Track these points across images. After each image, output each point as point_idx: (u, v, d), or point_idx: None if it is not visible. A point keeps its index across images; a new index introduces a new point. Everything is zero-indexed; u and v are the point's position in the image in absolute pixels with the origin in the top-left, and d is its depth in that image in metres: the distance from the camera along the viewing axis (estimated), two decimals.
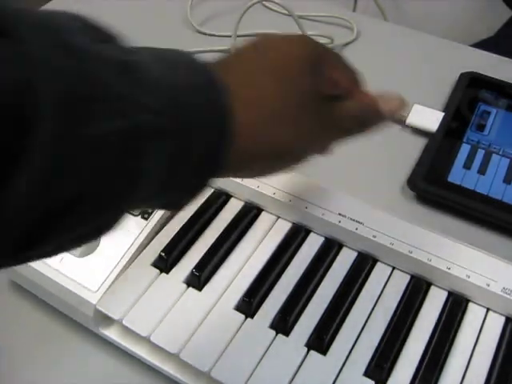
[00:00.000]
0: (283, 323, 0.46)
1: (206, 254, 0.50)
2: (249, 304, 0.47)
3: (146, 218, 0.51)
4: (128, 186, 0.27)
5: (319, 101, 0.36)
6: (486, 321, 0.47)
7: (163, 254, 0.50)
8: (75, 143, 0.23)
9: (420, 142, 0.64)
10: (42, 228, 0.24)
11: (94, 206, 0.26)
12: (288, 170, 0.38)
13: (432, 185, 0.58)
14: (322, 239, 0.52)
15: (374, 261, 0.50)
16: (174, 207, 0.34)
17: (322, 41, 0.77)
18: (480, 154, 0.60)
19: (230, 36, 0.76)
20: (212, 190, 0.55)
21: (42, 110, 0.22)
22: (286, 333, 0.46)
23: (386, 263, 0.50)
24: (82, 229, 0.27)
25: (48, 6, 0.90)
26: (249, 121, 0.32)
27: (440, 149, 0.61)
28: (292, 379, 0.43)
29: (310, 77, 0.36)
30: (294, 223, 0.53)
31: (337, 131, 0.40)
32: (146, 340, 0.46)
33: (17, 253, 0.25)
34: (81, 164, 0.24)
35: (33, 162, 0.22)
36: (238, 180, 0.53)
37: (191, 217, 0.53)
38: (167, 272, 0.49)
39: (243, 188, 0.53)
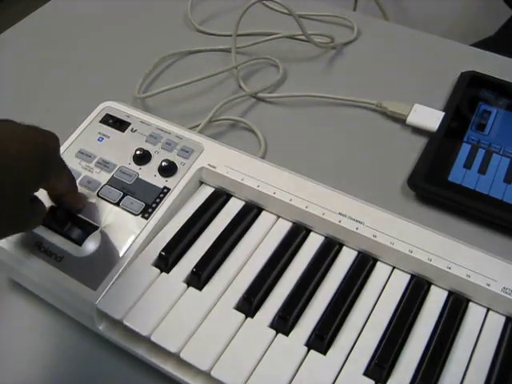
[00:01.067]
0: (283, 323, 0.46)
1: (206, 253, 0.50)
2: (249, 303, 0.47)
3: (147, 218, 0.51)
4: None
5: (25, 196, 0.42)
6: (487, 320, 0.47)
7: (163, 254, 0.50)
8: None
9: (420, 142, 0.65)
10: None
11: None
12: None
13: (432, 184, 0.58)
14: (322, 239, 0.52)
15: (375, 260, 0.50)
16: None
17: (323, 40, 0.77)
18: (480, 153, 0.60)
19: (231, 35, 0.76)
20: (212, 190, 0.55)
21: None
22: (286, 332, 0.46)
23: (386, 263, 0.50)
24: None
25: (47, 7, 0.90)
26: None
27: (440, 148, 0.61)
28: (292, 379, 0.43)
29: (36, 176, 0.41)
30: (294, 223, 0.53)
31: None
32: (146, 339, 0.46)
33: None
34: None
35: None
36: (239, 179, 0.53)
37: (192, 216, 0.53)
38: (167, 271, 0.49)
39: (244, 187, 0.53)
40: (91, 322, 0.48)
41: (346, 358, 0.44)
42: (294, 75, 0.75)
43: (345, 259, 0.50)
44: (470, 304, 0.48)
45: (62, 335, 0.51)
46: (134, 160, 0.55)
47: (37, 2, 0.92)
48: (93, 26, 0.85)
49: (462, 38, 0.90)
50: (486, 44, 1.08)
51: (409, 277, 0.49)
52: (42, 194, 0.47)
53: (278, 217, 0.53)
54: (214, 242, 0.51)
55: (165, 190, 0.53)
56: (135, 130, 0.58)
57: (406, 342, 0.45)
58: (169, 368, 0.46)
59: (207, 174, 0.55)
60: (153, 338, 0.45)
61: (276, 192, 0.52)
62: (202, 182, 0.56)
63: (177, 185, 0.53)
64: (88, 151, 0.56)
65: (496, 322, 0.47)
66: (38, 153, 0.41)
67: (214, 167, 0.54)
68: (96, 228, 0.51)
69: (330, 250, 0.51)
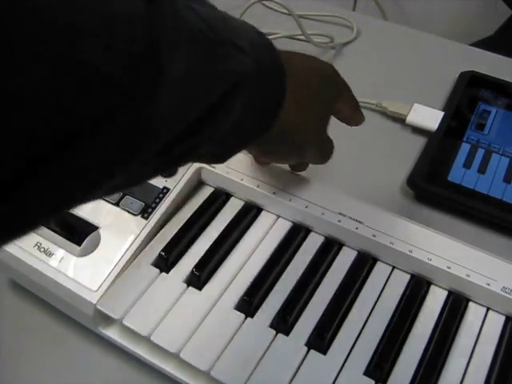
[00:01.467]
0: (283, 323, 0.46)
1: (206, 253, 0.50)
2: (249, 303, 0.47)
3: (146, 218, 0.51)
4: (223, 117, 0.32)
5: (331, 112, 0.46)
6: (486, 320, 0.47)
7: (163, 254, 0.50)
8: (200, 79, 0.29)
9: (420, 141, 0.64)
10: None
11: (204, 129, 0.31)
12: (292, 161, 0.47)
13: (432, 184, 0.58)
14: (321, 238, 0.52)
15: (374, 260, 0.50)
16: (228, 153, 0.37)
17: (322, 40, 0.77)
18: (480, 153, 0.60)
19: None
20: (212, 190, 0.55)
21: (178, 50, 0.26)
22: (286, 332, 0.46)
23: (385, 262, 0.50)
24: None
25: None
26: (291, 98, 0.37)
27: (440, 148, 0.61)
28: (292, 379, 0.43)
29: (337, 94, 0.46)
30: (294, 222, 0.53)
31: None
32: (146, 339, 0.46)
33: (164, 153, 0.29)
34: (198, 94, 0.29)
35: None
36: (238, 179, 0.53)
37: (191, 216, 0.53)
38: (167, 271, 0.49)
39: (243, 187, 0.54)
40: (91, 322, 0.48)
41: (346, 358, 0.44)
42: None
43: (344, 259, 0.50)
44: (470, 304, 0.48)
45: (61, 335, 0.51)
46: None
47: None
48: None
49: (462, 37, 0.90)
50: (486, 44, 1.08)
51: (408, 276, 0.49)
52: None
53: (278, 217, 0.53)
54: (214, 242, 0.51)
55: (164, 190, 0.53)
56: None
57: (406, 341, 0.45)
58: (169, 368, 0.46)
59: (207, 174, 0.55)
60: (152, 339, 0.45)
61: (275, 192, 0.52)
62: (201, 182, 0.56)
63: (176, 185, 0.53)
64: None
65: (496, 322, 0.47)
66: (334, 71, 0.46)
67: (214, 167, 0.54)
68: (96, 228, 0.51)
69: (329, 249, 0.51)
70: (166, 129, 0.27)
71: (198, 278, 0.48)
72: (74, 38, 0.21)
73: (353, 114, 0.50)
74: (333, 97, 0.46)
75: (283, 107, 0.37)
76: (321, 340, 0.45)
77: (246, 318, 0.47)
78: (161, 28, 0.25)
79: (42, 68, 0.20)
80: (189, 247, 0.51)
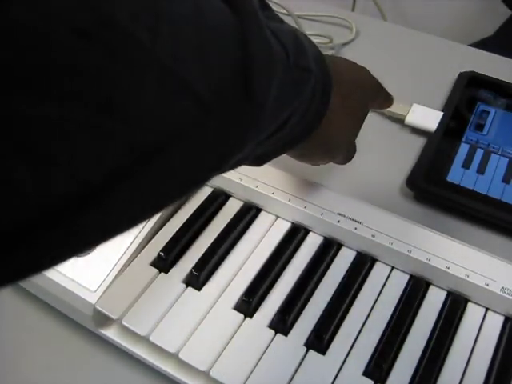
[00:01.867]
0: (282, 323, 0.46)
1: (204, 253, 0.50)
2: (248, 304, 0.47)
3: None
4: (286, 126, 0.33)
5: (365, 117, 0.47)
6: (485, 320, 0.47)
7: (162, 254, 0.50)
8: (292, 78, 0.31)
9: (419, 142, 0.64)
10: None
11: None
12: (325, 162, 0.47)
13: (431, 184, 0.58)
14: (320, 239, 0.52)
15: (373, 260, 0.50)
16: (270, 156, 0.38)
17: (321, 40, 0.77)
18: (479, 153, 0.60)
19: None
20: (211, 190, 0.55)
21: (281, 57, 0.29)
22: (285, 332, 0.46)
23: (385, 263, 0.50)
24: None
25: None
26: (334, 107, 0.39)
27: (439, 148, 0.61)
28: (291, 379, 0.43)
29: (374, 99, 0.48)
30: (292, 223, 0.53)
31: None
32: (145, 340, 0.46)
33: None
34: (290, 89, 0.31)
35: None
36: (237, 179, 0.53)
37: (190, 216, 0.53)
38: (166, 272, 0.49)
39: (242, 188, 0.53)
40: (90, 322, 0.48)
41: (345, 358, 0.44)
42: None
43: (344, 259, 0.50)
44: (469, 304, 0.48)
45: (61, 336, 0.51)
46: None
47: None
48: None
49: (461, 38, 0.90)
50: (485, 44, 1.09)
51: (407, 277, 0.49)
52: None
53: (277, 217, 0.53)
54: (213, 243, 0.51)
55: None
56: None
57: (405, 341, 0.45)
58: (167, 368, 0.46)
59: None
60: (151, 339, 0.45)
61: (274, 192, 0.52)
62: None
63: None
64: None
65: (495, 322, 0.47)
66: (369, 75, 0.47)
67: None
68: None
69: (328, 250, 0.51)
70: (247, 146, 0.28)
71: (197, 279, 0.48)
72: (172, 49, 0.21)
73: (384, 106, 0.53)
74: (369, 103, 0.47)
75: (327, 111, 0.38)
76: (320, 340, 0.45)
77: (244, 319, 0.47)
78: (251, 46, 0.25)
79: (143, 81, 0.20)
80: (188, 247, 0.51)
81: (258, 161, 0.38)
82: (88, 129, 0.19)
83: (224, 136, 0.25)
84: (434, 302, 0.48)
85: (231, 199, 0.55)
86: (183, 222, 0.52)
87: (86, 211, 0.20)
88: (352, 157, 0.50)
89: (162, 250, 0.50)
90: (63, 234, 0.20)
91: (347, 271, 0.50)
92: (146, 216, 0.24)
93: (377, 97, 0.49)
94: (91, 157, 0.19)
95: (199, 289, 0.48)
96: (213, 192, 0.55)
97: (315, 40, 0.76)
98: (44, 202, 0.19)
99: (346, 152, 0.48)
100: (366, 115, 0.47)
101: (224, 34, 0.24)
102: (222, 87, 0.24)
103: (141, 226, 0.51)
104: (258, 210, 0.54)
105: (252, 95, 0.25)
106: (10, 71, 0.17)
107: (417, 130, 0.66)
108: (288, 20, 0.74)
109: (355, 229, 0.50)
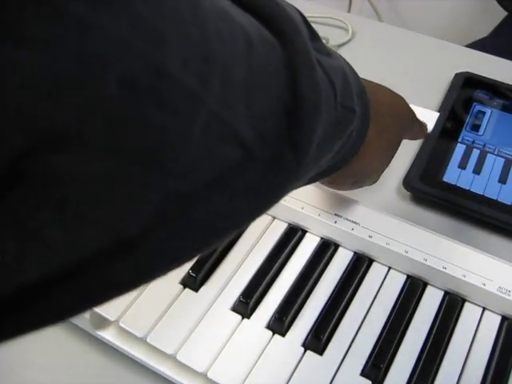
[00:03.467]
0: (280, 324, 0.46)
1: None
2: (245, 305, 0.47)
3: None
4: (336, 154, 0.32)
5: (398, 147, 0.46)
6: (482, 320, 0.47)
7: None
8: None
9: (415, 142, 0.65)
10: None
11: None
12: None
13: (427, 185, 0.58)
14: (318, 239, 0.52)
15: (370, 261, 0.50)
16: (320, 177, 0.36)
17: None
18: (475, 153, 0.61)
19: None
20: None
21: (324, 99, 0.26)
22: (283, 333, 0.46)
23: (382, 263, 0.50)
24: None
25: None
26: (369, 140, 0.38)
27: (435, 149, 0.61)
28: (289, 380, 0.43)
29: (409, 129, 0.47)
30: (289, 224, 0.53)
31: None
32: (142, 341, 0.46)
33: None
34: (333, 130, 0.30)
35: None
36: None
37: None
38: None
39: None
40: (87, 324, 0.48)
41: (343, 359, 0.44)
42: None
43: (341, 260, 0.51)
44: (466, 304, 0.48)
45: (58, 338, 0.50)
46: None
47: None
48: None
49: (457, 38, 0.90)
50: (481, 45, 1.09)
51: (404, 277, 0.49)
52: None
53: (274, 218, 0.53)
54: None
55: None
56: None
57: (403, 342, 0.45)
58: (165, 370, 0.45)
59: None
60: (149, 340, 0.45)
61: None
62: None
63: None
64: None
65: (492, 322, 0.47)
66: (406, 105, 0.46)
67: None
68: None
69: (325, 250, 0.51)
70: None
71: (195, 280, 0.48)
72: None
73: (418, 136, 0.52)
74: (403, 135, 0.46)
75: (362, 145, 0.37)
76: (317, 341, 0.45)
77: (242, 319, 0.47)
78: (301, 87, 0.24)
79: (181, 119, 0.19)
80: None
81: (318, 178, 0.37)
82: (126, 182, 0.18)
83: (264, 184, 0.23)
84: (431, 301, 0.48)
85: None
86: None
87: (119, 261, 0.20)
88: (377, 179, 0.49)
89: None
90: (96, 285, 0.20)
91: (344, 272, 0.50)
92: (179, 263, 0.24)
93: (412, 127, 0.48)
94: (126, 210, 0.19)
95: (196, 290, 0.48)
96: None
97: None
98: (74, 258, 0.18)
99: (375, 180, 0.48)
100: (400, 144, 0.46)
101: (274, 73, 0.23)
102: (267, 131, 0.22)
103: None
104: None
105: (297, 139, 0.24)
106: (51, 121, 0.16)
107: None
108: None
109: (352, 229, 0.50)
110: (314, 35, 0.29)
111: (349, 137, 0.33)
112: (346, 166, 0.37)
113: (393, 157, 0.46)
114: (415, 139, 0.52)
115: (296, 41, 0.24)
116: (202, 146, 0.20)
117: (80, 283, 0.19)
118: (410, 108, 0.46)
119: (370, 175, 0.45)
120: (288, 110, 0.23)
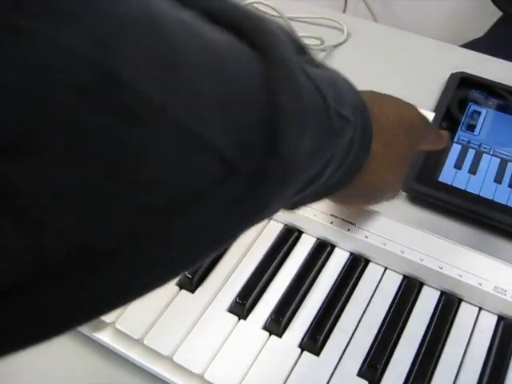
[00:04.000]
0: (276, 325, 0.46)
1: None
2: (242, 306, 0.47)
3: None
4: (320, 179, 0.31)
5: (411, 160, 0.44)
6: (479, 320, 0.47)
7: None
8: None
9: None
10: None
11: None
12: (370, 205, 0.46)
13: (423, 185, 0.58)
14: (314, 240, 0.52)
15: (367, 261, 0.50)
16: (303, 204, 0.36)
17: (313, 42, 0.77)
18: (471, 153, 0.61)
19: None
20: None
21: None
22: (279, 334, 0.46)
23: (378, 263, 0.50)
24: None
25: None
26: (376, 154, 0.37)
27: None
28: (285, 381, 0.43)
29: (424, 139, 0.45)
30: (286, 225, 0.53)
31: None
32: (139, 343, 0.45)
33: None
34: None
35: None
36: None
37: None
38: None
39: None
40: (84, 326, 0.48)
41: (340, 359, 0.44)
42: None
43: (337, 260, 0.51)
44: (462, 303, 0.48)
45: (55, 340, 0.50)
46: None
47: None
48: None
49: (452, 39, 0.90)
50: (476, 45, 1.09)
51: (401, 277, 0.49)
52: None
53: (270, 219, 0.53)
54: None
55: None
56: None
57: (399, 342, 0.45)
58: (162, 371, 0.45)
59: None
60: (145, 342, 0.45)
61: None
62: None
63: None
64: None
65: (488, 321, 0.47)
66: (418, 113, 0.44)
67: None
68: None
69: (321, 251, 0.51)
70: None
71: (191, 281, 0.48)
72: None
73: (438, 145, 0.50)
74: (417, 146, 0.44)
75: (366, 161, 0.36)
76: (314, 341, 0.45)
77: (238, 321, 0.47)
78: (278, 96, 0.23)
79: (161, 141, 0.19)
80: None
81: (292, 207, 0.36)
82: (90, 193, 0.18)
83: (247, 195, 0.23)
84: (427, 302, 0.48)
85: None
86: None
87: (94, 274, 0.19)
88: (397, 193, 0.48)
89: None
90: (70, 299, 0.20)
91: (341, 272, 0.50)
92: (160, 282, 0.23)
93: (426, 137, 0.46)
94: (93, 221, 0.18)
95: (193, 291, 0.48)
96: None
97: (307, 42, 0.76)
98: (38, 267, 0.18)
99: (386, 198, 0.47)
100: (414, 155, 0.44)
101: (249, 85, 0.22)
102: (246, 142, 0.22)
103: None
104: None
105: (279, 149, 0.23)
106: (3, 131, 0.16)
107: None
108: (280, 22, 0.74)
109: (348, 230, 0.50)
110: (301, 48, 0.28)
111: (349, 150, 0.33)
112: (354, 183, 0.36)
113: (407, 169, 0.44)
114: (435, 149, 0.51)
115: (273, 51, 0.24)
116: (173, 158, 0.19)
117: (36, 297, 0.19)
118: (422, 117, 0.45)
119: (385, 190, 0.43)
120: (269, 120, 0.23)
